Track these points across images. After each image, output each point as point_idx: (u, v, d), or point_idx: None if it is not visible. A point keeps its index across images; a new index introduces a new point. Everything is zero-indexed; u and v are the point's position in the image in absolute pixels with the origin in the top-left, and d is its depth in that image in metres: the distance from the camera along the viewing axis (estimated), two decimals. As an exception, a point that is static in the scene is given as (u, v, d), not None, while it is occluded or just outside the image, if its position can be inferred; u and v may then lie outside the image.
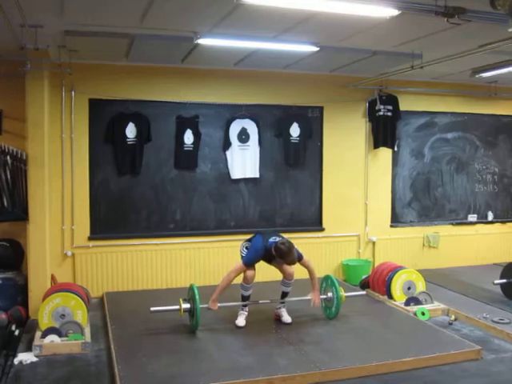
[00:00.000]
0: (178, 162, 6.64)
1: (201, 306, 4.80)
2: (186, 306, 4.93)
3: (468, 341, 4.65)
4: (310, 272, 5.20)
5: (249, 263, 5.01)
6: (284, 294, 5.29)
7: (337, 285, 5.24)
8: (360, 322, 5.26)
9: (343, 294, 5.20)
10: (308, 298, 5.26)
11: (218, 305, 4.99)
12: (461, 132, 7.99)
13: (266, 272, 6.22)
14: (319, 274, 7.09)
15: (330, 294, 5.31)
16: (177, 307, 4.94)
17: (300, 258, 5.05)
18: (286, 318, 5.24)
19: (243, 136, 6.87)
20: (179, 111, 6.61)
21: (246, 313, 5.20)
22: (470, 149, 8.09)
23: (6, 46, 5.27)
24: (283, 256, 4.81)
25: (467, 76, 6.92)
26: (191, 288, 4.97)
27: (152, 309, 4.99)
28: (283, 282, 5.24)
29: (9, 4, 3.75)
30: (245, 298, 5.17)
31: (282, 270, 5.19)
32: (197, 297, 4.80)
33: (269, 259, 5.11)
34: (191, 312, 4.91)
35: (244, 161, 6.84)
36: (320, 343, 4.64)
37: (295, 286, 5.28)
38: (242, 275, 5.08)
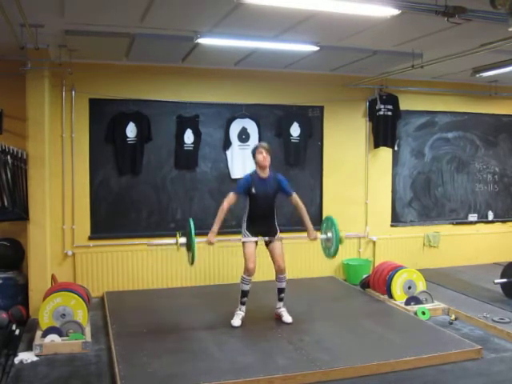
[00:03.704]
0: (178, 161, 6.64)
1: (198, 240, 4.82)
2: (183, 240, 4.89)
3: (468, 340, 4.65)
4: (300, 209, 5.25)
5: (239, 189, 5.14)
6: (280, 290, 5.31)
7: (336, 225, 5.16)
8: (360, 322, 5.26)
9: (343, 234, 5.13)
10: (306, 236, 5.31)
11: (215, 239, 5.02)
12: (461, 131, 7.99)
13: (265, 272, 6.24)
14: (319, 273, 7.18)
15: (329, 235, 5.26)
16: (173, 241, 4.92)
17: (289, 194, 5.21)
18: (287, 318, 5.24)
19: (243, 136, 6.87)
20: (179, 111, 6.61)
21: (243, 313, 5.20)
22: (471, 148, 8.09)
23: (6, 46, 5.28)
24: (258, 146, 5.15)
25: (468, 75, 6.92)
26: (189, 223, 4.93)
27: (149, 243, 5.19)
28: (277, 277, 5.29)
29: (9, 3, 3.75)
30: (244, 293, 5.17)
31: (274, 258, 5.23)
32: (193, 231, 4.76)
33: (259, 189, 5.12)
34: (188, 246, 4.88)
35: (244, 160, 6.83)
36: (320, 342, 4.64)
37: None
38: (243, 268, 5.14)
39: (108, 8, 4.23)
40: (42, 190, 5.52)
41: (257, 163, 5.17)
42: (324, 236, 5.34)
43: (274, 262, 5.26)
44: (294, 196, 5.25)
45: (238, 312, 5.19)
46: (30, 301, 5.51)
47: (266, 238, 5.20)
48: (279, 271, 5.24)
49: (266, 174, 5.17)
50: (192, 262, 4.88)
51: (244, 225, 5.22)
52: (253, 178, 5.16)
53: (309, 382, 3.94)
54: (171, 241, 4.97)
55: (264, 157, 5.11)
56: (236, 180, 6.78)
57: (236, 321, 5.12)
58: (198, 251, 6.66)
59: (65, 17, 4.42)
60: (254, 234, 5.17)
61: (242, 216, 5.29)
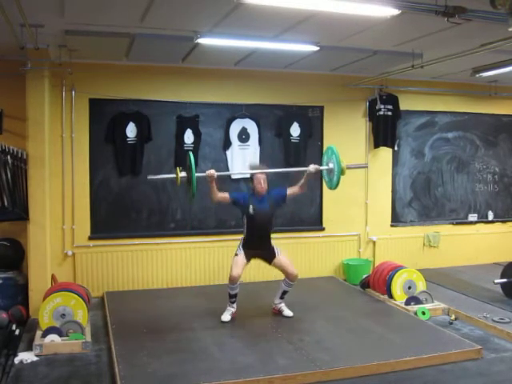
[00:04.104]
0: (178, 161, 6.62)
1: (197, 174, 4.83)
2: (183, 174, 4.90)
3: (468, 340, 4.66)
4: (296, 185, 5.29)
5: (233, 194, 5.25)
6: (284, 293, 5.34)
7: (337, 155, 5.06)
8: (360, 322, 5.26)
9: (344, 164, 5.04)
10: (307, 169, 5.27)
11: (216, 173, 5.04)
12: (461, 131, 7.99)
13: (266, 272, 6.24)
14: (319, 273, 7.18)
15: (331, 165, 5.17)
16: (174, 175, 4.93)
17: (284, 194, 5.26)
18: (288, 312, 5.31)
19: (243, 136, 6.87)
20: (179, 111, 6.61)
21: (233, 309, 5.25)
22: (471, 148, 8.09)
23: (6, 46, 5.28)
24: (256, 176, 5.20)
25: (467, 75, 6.92)
26: (188, 156, 4.93)
27: (149, 177, 5.22)
28: (285, 281, 5.30)
29: (9, 3, 3.75)
30: (232, 296, 5.22)
31: (285, 271, 5.23)
32: (193, 165, 4.77)
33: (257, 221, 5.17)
34: (188, 180, 4.88)
35: (244, 160, 6.83)
36: (320, 342, 4.64)
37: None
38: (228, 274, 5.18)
39: (108, 8, 4.23)
40: (42, 190, 5.52)
41: (254, 189, 5.24)
42: (325, 167, 5.23)
43: (287, 274, 5.26)
44: (289, 189, 5.29)
45: (229, 308, 5.25)
46: (30, 301, 5.50)
47: (268, 260, 5.29)
48: (294, 279, 5.28)
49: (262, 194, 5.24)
50: (192, 196, 4.91)
51: (240, 245, 5.28)
52: (250, 197, 5.23)
53: (309, 382, 3.94)
54: (172, 175, 4.99)
55: (262, 187, 5.19)
56: (236, 180, 6.81)
57: (226, 316, 5.20)
58: (198, 251, 6.74)
59: (65, 17, 4.42)
60: (250, 254, 5.22)
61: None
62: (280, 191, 5.29)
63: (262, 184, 5.17)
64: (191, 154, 4.95)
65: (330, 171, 5.16)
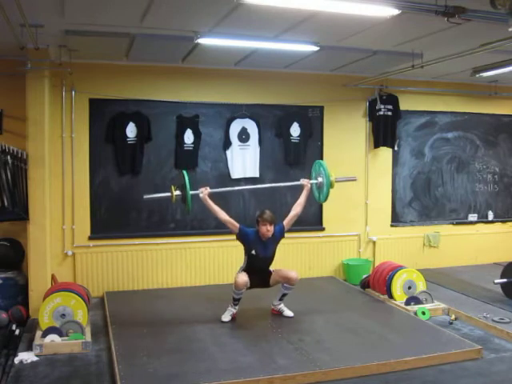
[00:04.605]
0: (178, 161, 6.64)
1: (192, 192, 4.95)
2: (178, 192, 5.01)
3: (468, 340, 4.65)
4: (297, 206, 5.30)
5: (243, 228, 5.20)
6: (283, 295, 5.36)
7: (326, 169, 5.21)
8: (360, 322, 5.26)
9: (333, 178, 5.17)
10: (300, 183, 5.41)
11: (209, 190, 5.11)
12: (461, 131, 7.99)
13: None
14: (319, 273, 7.19)
15: (320, 179, 5.31)
16: (169, 194, 5.03)
17: (283, 233, 5.28)
18: (288, 313, 5.33)
19: (243, 136, 6.87)
20: (179, 111, 6.61)
21: (234, 310, 5.25)
22: (471, 148, 8.09)
23: (6, 46, 5.28)
24: (262, 214, 5.13)
25: (468, 75, 6.92)
26: (182, 174, 5.05)
27: (145, 196, 5.34)
28: (284, 286, 5.30)
29: (9, 3, 3.75)
30: (236, 299, 5.22)
31: (285, 278, 5.23)
32: (187, 183, 4.89)
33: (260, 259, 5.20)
34: (183, 198, 4.99)
35: (244, 160, 6.84)
36: (320, 342, 4.64)
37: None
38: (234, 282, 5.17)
39: (108, 8, 4.23)
40: (42, 190, 5.52)
41: (259, 231, 5.17)
42: (315, 181, 5.37)
43: (288, 279, 5.23)
44: (285, 221, 5.31)
45: (229, 308, 5.25)
46: (30, 301, 5.51)
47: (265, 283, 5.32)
48: (295, 282, 5.25)
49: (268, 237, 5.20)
50: (187, 212, 5.14)
51: (241, 269, 5.28)
52: (256, 238, 5.18)
53: (309, 382, 3.94)
54: (167, 194, 5.08)
55: (268, 230, 5.13)
56: (236, 180, 6.81)
57: (226, 316, 5.20)
58: (198, 251, 6.74)
59: (65, 17, 4.42)
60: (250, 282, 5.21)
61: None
62: (279, 229, 5.25)
63: (267, 227, 5.11)
64: (185, 172, 5.04)
65: (320, 185, 5.30)
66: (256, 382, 3.86)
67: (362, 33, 4.89)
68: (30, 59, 5.29)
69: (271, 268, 5.36)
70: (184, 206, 5.13)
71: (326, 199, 5.31)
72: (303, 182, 5.37)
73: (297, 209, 5.30)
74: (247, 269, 5.23)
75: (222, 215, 5.14)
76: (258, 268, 5.25)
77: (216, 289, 6.42)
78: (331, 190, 5.22)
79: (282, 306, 5.39)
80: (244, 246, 5.25)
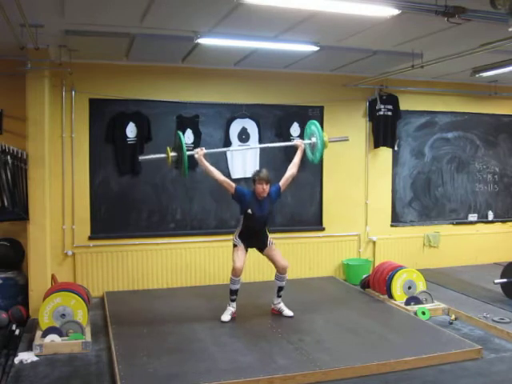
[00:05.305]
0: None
1: (188, 152, 4.91)
2: (173, 154, 4.99)
3: (468, 340, 4.65)
4: (292, 167, 5.36)
5: (239, 188, 5.29)
6: (280, 289, 5.37)
7: (320, 130, 5.28)
8: (360, 322, 5.26)
9: (326, 138, 5.23)
10: (294, 143, 5.50)
11: (205, 151, 5.15)
12: (461, 131, 7.99)
13: (265, 272, 6.24)
14: (319, 273, 7.18)
15: (313, 140, 5.34)
16: (164, 155, 5.02)
17: (279, 193, 5.36)
18: (288, 312, 5.34)
19: (243, 136, 6.87)
20: (179, 111, 6.61)
21: (233, 309, 5.27)
22: (471, 148, 8.09)
23: (6, 46, 5.28)
24: (258, 173, 5.20)
25: (468, 75, 6.92)
26: (177, 136, 5.00)
27: (140, 157, 5.39)
28: (277, 276, 5.34)
29: (9, 3, 3.75)
30: (233, 292, 5.24)
31: (274, 262, 5.29)
32: (183, 144, 4.86)
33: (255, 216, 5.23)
34: (179, 160, 4.96)
35: (244, 160, 6.84)
36: (320, 342, 4.64)
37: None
38: (231, 270, 5.22)
39: (108, 8, 4.23)
40: (42, 190, 5.51)
41: (255, 190, 5.23)
42: (308, 141, 5.41)
43: (276, 265, 5.31)
44: (281, 181, 5.35)
45: (228, 308, 5.27)
46: (30, 301, 5.50)
47: (260, 250, 5.36)
48: (283, 271, 5.30)
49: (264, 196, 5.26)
50: (184, 175, 5.10)
51: (236, 234, 5.31)
52: (252, 197, 5.24)
53: (309, 382, 3.94)
54: (163, 155, 5.07)
55: (264, 189, 5.18)
56: (236, 180, 6.80)
57: (225, 316, 5.21)
58: (198, 251, 6.73)
59: (65, 17, 4.42)
60: (246, 245, 5.27)
61: (236, 227, 5.41)
62: (275, 189, 5.33)
63: (263, 186, 5.17)
64: (180, 132, 5.02)
65: (313, 146, 5.32)
66: (256, 382, 3.86)
67: (362, 33, 4.89)
68: (29, 59, 5.29)
69: (270, 239, 5.36)
70: (179, 172, 5.12)
71: (319, 160, 5.42)
72: (297, 142, 5.47)
73: (292, 169, 5.36)
74: (243, 229, 5.26)
75: (218, 175, 5.22)
76: (254, 227, 5.26)
77: (216, 289, 6.42)
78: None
79: (281, 306, 5.39)
80: (240, 205, 5.29)
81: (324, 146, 5.22)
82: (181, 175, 5.17)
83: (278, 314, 5.39)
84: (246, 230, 5.27)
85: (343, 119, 7.30)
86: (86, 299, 5.26)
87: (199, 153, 5.13)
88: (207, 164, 5.17)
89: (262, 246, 5.35)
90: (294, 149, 5.48)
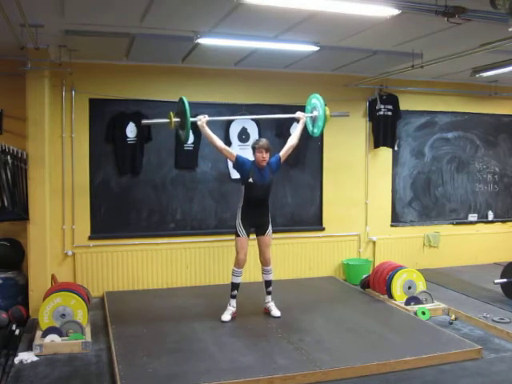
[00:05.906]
0: (178, 161, 6.64)
1: (191, 119, 4.90)
2: (176, 119, 4.98)
3: (468, 340, 4.65)
4: (293, 138, 5.39)
5: (240, 156, 5.27)
6: (267, 283, 5.42)
7: (322, 103, 5.29)
8: (360, 322, 5.26)
9: (328, 112, 5.25)
10: (295, 115, 5.50)
11: (208, 118, 5.16)
12: (461, 131, 7.99)
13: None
14: (319, 273, 7.19)
15: (315, 113, 5.36)
16: (167, 120, 5.01)
17: (279, 163, 5.37)
18: (275, 312, 5.35)
19: (243, 136, 6.87)
20: (179, 111, 6.61)
21: (234, 309, 5.28)
22: (471, 148, 8.09)
23: (6, 46, 5.28)
24: (258, 141, 5.27)
25: (468, 75, 6.92)
26: (181, 101, 4.95)
27: (143, 121, 5.44)
28: (263, 270, 5.42)
29: (9, 3, 3.75)
30: (234, 286, 5.26)
31: (262, 252, 5.35)
32: (187, 109, 4.83)
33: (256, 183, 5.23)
34: (181, 125, 4.95)
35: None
36: (320, 342, 4.64)
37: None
38: (234, 261, 5.29)
39: (108, 8, 4.23)
40: (42, 190, 5.51)
41: (255, 159, 5.25)
42: (310, 114, 5.44)
43: (260, 253, 5.37)
44: (281, 152, 5.37)
45: (229, 307, 5.28)
46: (30, 301, 5.51)
47: (258, 232, 5.35)
48: (265, 263, 5.38)
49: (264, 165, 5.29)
50: (186, 140, 5.15)
51: (238, 216, 5.28)
52: (253, 166, 5.25)
53: (309, 382, 3.94)
54: (165, 120, 5.06)
55: (263, 157, 5.19)
56: (236, 180, 6.79)
57: (226, 316, 5.22)
58: (198, 251, 6.73)
59: (65, 17, 4.42)
60: (248, 226, 5.26)
61: (236, 208, 5.38)
62: (275, 159, 5.35)
63: (263, 154, 5.18)
64: (185, 98, 4.97)
65: (315, 119, 5.37)
66: (256, 382, 3.86)
67: (362, 33, 4.89)
68: (30, 59, 5.29)
69: (270, 228, 5.36)
70: (181, 138, 5.13)
71: (319, 133, 5.46)
72: (299, 114, 5.47)
73: (293, 140, 5.39)
74: (245, 204, 5.25)
75: (219, 143, 5.23)
76: (256, 198, 5.24)
77: (216, 289, 6.42)
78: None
79: (270, 305, 5.40)
80: (241, 175, 5.28)
81: (326, 119, 5.22)
82: (182, 140, 5.25)
83: (268, 312, 5.39)
84: (248, 203, 5.23)
85: (343, 119, 7.26)
86: (86, 299, 5.26)
87: (202, 120, 5.13)
88: (209, 131, 5.16)
89: (261, 231, 5.32)
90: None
